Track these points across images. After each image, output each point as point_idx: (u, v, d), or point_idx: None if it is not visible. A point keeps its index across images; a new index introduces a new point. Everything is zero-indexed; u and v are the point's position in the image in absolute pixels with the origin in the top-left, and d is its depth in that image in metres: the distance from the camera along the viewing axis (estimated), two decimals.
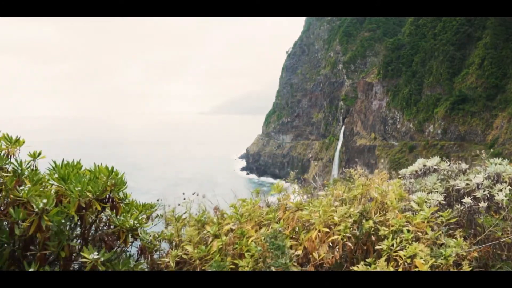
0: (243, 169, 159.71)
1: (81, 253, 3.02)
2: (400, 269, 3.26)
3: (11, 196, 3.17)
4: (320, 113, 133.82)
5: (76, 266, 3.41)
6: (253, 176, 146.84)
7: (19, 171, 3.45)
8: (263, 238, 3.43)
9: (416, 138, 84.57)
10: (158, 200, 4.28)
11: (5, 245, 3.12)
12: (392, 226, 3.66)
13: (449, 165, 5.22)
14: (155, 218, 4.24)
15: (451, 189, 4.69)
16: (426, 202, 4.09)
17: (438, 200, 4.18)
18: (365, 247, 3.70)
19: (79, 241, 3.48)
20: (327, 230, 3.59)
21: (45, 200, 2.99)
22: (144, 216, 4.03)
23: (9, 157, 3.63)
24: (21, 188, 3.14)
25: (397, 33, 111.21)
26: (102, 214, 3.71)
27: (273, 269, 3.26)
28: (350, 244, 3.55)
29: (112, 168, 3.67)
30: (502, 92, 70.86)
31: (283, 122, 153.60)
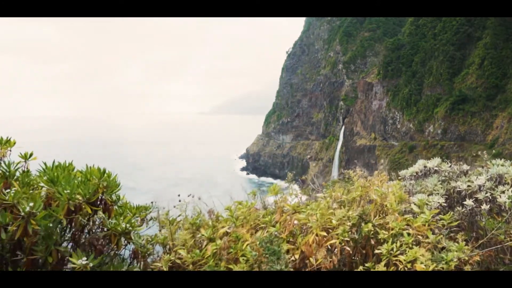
0: (243, 169, 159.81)
1: (70, 258, 2.94)
2: None
3: None
4: (320, 113, 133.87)
5: None
6: (253, 176, 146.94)
7: (7, 173, 3.36)
8: (258, 242, 3.35)
9: (416, 138, 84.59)
10: (152, 202, 4.18)
11: None
12: (392, 230, 3.60)
13: (450, 166, 5.15)
14: (149, 220, 4.14)
15: (452, 190, 4.64)
16: (427, 204, 4.02)
17: (439, 202, 4.11)
18: (364, 251, 3.63)
19: (70, 245, 3.39)
20: (325, 234, 3.52)
21: (31, 204, 2.91)
22: (139, 218, 3.96)
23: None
24: (7, 191, 3.05)
25: (397, 33, 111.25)
26: (95, 216, 3.60)
27: None
28: (348, 248, 3.48)
29: (104, 170, 3.58)
30: (502, 92, 70.87)
31: (283, 122, 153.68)
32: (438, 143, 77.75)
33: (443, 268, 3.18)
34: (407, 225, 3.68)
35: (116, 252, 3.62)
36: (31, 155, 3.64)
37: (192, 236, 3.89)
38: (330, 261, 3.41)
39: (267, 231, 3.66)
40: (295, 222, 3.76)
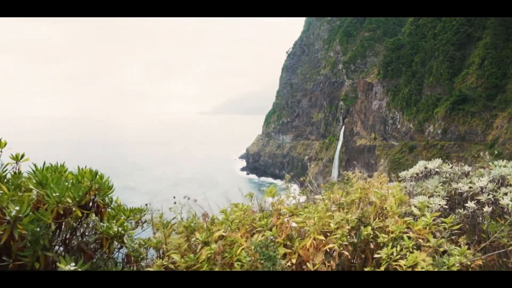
0: (243, 169, 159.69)
1: (58, 264, 2.84)
2: None
3: None
4: (320, 113, 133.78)
5: None
6: (253, 176, 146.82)
7: None
8: (253, 247, 3.25)
9: (416, 138, 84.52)
10: (146, 205, 4.08)
11: None
12: (392, 233, 3.49)
13: (451, 167, 5.05)
14: (144, 223, 4.03)
15: (453, 192, 4.54)
16: (427, 206, 3.92)
17: (440, 205, 4.01)
18: (363, 255, 3.54)
19: (61, 248, 3.29)
20: (323, 238, 3.42)
21: (17, 207, 2.80)
22: (133, 221, 3.86)
23: None
24: None
25: (397, 33, 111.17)
26: (89, 219, 3.51)
27: None
28: (346, 253, 3.39)
29: (96, 172, 3.50)
30: (502, 92, 70.82)
31: (283, 122, 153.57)
32: (438, 143, 77.71)
33: None
34: (408, 228, 3.60)
35: (109, 256, 3.51)
36: (22, 156, 3.50)
37: (187, 240, 3.79)
38: (328, 265, 3.33)
39: (263, 235, 3.57)
40: (293, 224, 3.66)
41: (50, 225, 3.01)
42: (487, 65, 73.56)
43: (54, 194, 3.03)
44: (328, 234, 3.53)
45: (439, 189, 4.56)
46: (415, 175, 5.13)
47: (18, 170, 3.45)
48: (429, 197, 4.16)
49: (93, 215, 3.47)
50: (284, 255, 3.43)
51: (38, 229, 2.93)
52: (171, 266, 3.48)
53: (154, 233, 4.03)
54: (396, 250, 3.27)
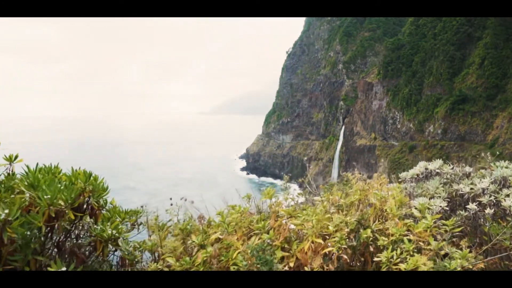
0: (243, 169, 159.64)
1: (49, 268, 2.78)
2: None
3: None
4: (320, 113, 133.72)
5: None
6: (253, 176, 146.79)
7: None
8: (249, 251, 3.17)
9: (416, 138, 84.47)
10: (142, 206, 4.02)
11: None
12: (392, 236, 3.43)
13: (452, 168, 4.97)
14: (140, 225, 3.95)
15: (454, 194, 4.46)
16: (428, 208, 3.86)
17: (441, 206, 3.95)
18: (362, 259, 3.47)
19: (55, 251, 3.20)
20: (321, 241, 3.35)
21: (6, 211, 2.72)
22: (128, 223, 3.79)
23: None
24: None
25: (397, 33, 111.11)
26: (84, 222, 3.45)
27: None
28: (345, 256, 3.32)
29: (90, 173, 3.43)
30: (502, 92, 70.77)
31: (283, 122, 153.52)
32: (438, 143, 77.65)
33: None
34: (408, 230, 3.53)
35: (103, 259, 3.43)
36: (16, 157, 3.42)
37: (183, 242, 3.72)
38: (327, 269, 3.28)
39: (260, 238, 3.49)
40: (292, 226, 3.59)
41: (41, 229, 2.93)
42: (487, 65, 73.52)
43: (45, 197, 2.96)
44: (327, 237, 3.47)
45: (440, 191, 4.49)
46: (416, 176, 5.06)
47: (12, 171, 3.38)
48: (429, 199, 4.10)
49: (88, 217, 3.40)
50: (282, 259, 3.37)
51: (28, 233, 2.86)
52: (166, 269, 3.43)
53: (150, 236, 3.96)
54: (396, 254, 3.21)
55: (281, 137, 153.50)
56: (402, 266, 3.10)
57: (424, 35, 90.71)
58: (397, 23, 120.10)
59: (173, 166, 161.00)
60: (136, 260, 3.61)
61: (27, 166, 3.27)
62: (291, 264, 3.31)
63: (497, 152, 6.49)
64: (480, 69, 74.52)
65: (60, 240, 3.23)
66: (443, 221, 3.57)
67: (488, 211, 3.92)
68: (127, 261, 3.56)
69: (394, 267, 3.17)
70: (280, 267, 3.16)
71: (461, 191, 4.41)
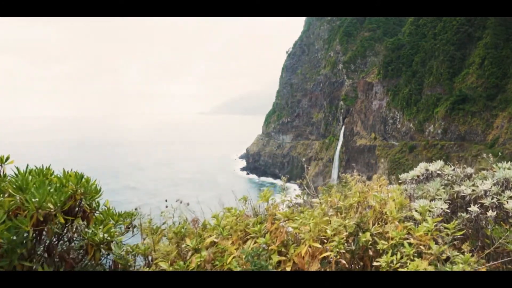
0: (243, 169, 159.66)
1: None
2: None
3: None
4: (320, 113, 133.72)
5: None
6: (253, 176, 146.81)
7: None
8: (244, 256, 3.08)
9: (416, 138, 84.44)
10: (136, 209, 3.93)
11: None
12: (392, 239, 3.34)
13: (454, 169, 4.87)
14: (135, 227, 3.85)
15: (455, 195, 4.36)
16: (429, 211, 3.75)
17: (442, 209, 3.84)
18: (361, 263, 3.38)
19: (45, 255, 3.09)
20: (319, 246, 3.27)
21: None
22: (123, 226, 3.71)
23: None
24: None
25: (397, 33, 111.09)
26: (77, 225, 3.35)
27: None
28: (344, 261, 3.24)
29: (82, 175, 3.34)
30: (502, 92, 70.74)
31: (283, 122, 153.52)
32: (438, 143, 77.62)
33: None
34: (408, 234, 3.44)
35: (96, 263, 3.33)
36: (7, 158, 3.34)
37: (177, 246, 3.63)
38: None
39: (255, 242, 3.40)
40: (290, 229, 3.50)
41: (28, 233, 2.83)
42: (487, 65, 73.49)
43: (34, 200, 2.86)
44: (325, 241, 3.39)
45: (441, 192, 4.39)
46: (416, 178, 4.97)
47: (3, 173, 3.30)
48: (430, 201, 4.01)
49: (81, 220, 3.28)
50: (279, 263, 3.29)
51: (15, 237, 2.76)
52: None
53: (144, 239, 3.88)
54: (396, 258, 3.14)
55: (281, 137, 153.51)
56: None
57: (424, 35, 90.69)
58: (397, 23, 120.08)
59: (173, 166, 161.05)
60: (128, 264, 3.54)
61: (17, 168, 3.18)
62: (288, 269, 3.24)
63: (499, 154, 6.41)
64: (480, 69, 74.49)
65: (51, 244, 3.14)
66: (444, 224, 3.49)
67: (490, 213, 3.82)
68: (119, 266, 3.49)
69: None
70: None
71: (463, 192, 4.31)
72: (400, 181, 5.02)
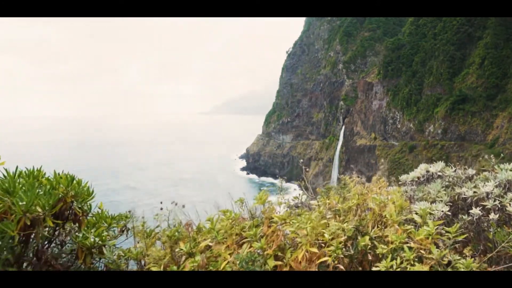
0: (243, 169, 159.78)
1: None
2: None
3: None
4: (320, 113, 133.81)
5: None
6: (253, 176, 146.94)
7: None
8: (238, 262, 2.99)
9: (416, 138, 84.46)
10: (130, 211, 3.85)
11: None
12: (392, 243, 3.26)
13: (455, 170, 4.77)
14: (129, 230, 3.78)
15: (456, 197, 4.26)
16: (430, 214, 3.68)
17: (443, 211, 3.75)
18: (360, 268, 3.30)
19: (34, 259, 3.00)
20: (316, 250, 3.19)
21: None
22: (116, 229, 3.65)
23: None
24: None
25: (397, 33, 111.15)
26: (70, 227, 3.28)
27: None
28: (342, 267, 3.16)
29: (73, 177, 3.26)
30: (502, 92, 70.75)
31: (283, 122, 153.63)
32: (438, 143, 77.64)
33: None
34: (408, 237, 3.36)
35: (89, 267, 3.25)
36: None
37: (171, 250, 3.56)
38: None
39: (251, 246, 3.33)
40: (287, 232, 3.43)
41: (14, 238, 2.73)
42: (487, 65, 73.50)
43: (21, 203, 2.77)
44: (323, 245, 3.32)
45: (442, 194, 4.30)
46: (416, 179, 4.86)
47: None
48: (431, 203, 3.93)
49: (73, 223, 3.24)
50: (275, 268, 3.21)
51: (0, 242, 2.70)
52: None
53: (138, 242, 3.80)
54: (396, 263, 3.06)
55: (281, 137, 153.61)
56: None
57: (424, 35, 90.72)
58: (397, 23, 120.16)
59: (173, 166, 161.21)
60: (120, 269, 3.47)
61: (6, 170, 3.08)
62: None
63: (501, 155, 6.34)
64: (480, 69, 74.50)
65: (41, 248, 3.07)
66: (445, 228, 3.41)
67: (493, 216, 3.72)
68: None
69: None
70: None
71: (464, 194, 4.22)
72: (400, 183, 4.95)
